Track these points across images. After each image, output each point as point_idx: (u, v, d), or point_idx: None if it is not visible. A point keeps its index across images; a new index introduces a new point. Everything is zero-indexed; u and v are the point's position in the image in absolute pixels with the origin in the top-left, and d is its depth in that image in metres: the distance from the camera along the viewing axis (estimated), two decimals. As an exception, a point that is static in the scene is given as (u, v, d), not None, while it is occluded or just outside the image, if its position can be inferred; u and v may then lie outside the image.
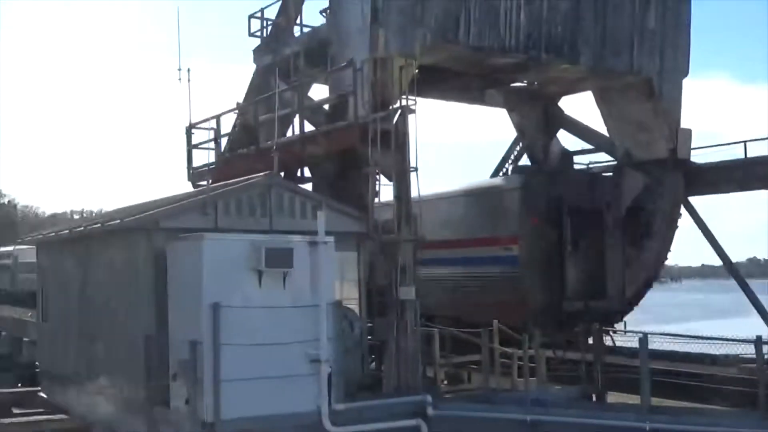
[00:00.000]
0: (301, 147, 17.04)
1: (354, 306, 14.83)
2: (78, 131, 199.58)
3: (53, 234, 19.01)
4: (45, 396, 18.77)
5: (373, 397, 13.85)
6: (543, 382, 15.72)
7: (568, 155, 22.88)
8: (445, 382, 16.89)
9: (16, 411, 19.33)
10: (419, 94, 15.64)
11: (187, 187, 20.24)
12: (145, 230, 13.47)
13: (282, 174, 15.46)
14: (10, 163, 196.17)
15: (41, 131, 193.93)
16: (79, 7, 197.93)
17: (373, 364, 15.47)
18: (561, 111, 22.78)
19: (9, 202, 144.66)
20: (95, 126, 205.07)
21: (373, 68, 15.60)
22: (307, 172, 18.51)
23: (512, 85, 21.96)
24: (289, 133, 18.05)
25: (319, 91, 19.45)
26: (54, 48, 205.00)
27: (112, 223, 14.82)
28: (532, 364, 15.71)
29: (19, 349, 32.84)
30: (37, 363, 20.51)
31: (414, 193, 15.15)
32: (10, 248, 51.79)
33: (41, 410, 18.27)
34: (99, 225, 15.74)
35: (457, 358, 17.11)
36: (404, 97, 15.35)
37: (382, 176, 15.38)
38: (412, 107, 15.37)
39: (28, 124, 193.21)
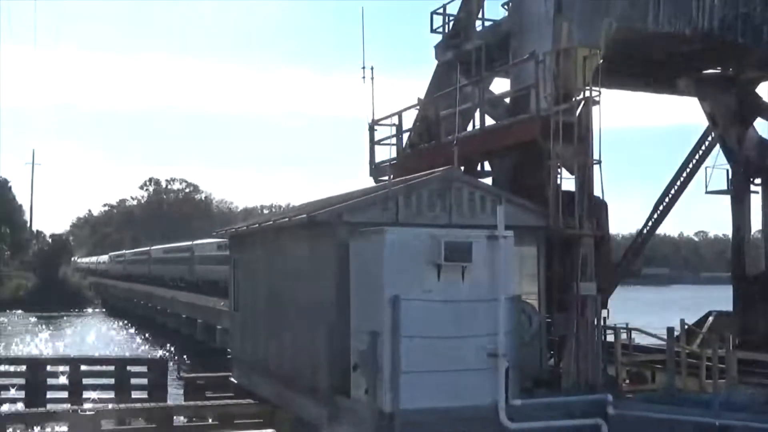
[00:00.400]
0: (482, 141, 17.12)
1: (533, 301, 14.77)
2: (268, 131, 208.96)
3: (244, 228, 20.11)
4: (235, 381, 19.83)
5: (552, 394, 13.73)
6: (733, 384, 15.00)
7: (766, 145, 21.66)
8: (627, 381, 16.46)
9: (209, 395, 20.66)
10: (603, 85, 15.35)
11: (369, 182, 20.82)
12: (329, 224, 14.01)
13: (462, 168, 15.59)
14: (208, 161, 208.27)
15: (236, 131, 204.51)
16: (265, 6, 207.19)
17: (552, 360, 15.33)
18: (758, 98, 21.57)
19: (206, 197, 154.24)
20: (284, 125, 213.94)
21: (556, 60, 15.44)
22: (487, 166, 18.56)
23: (704, 72, 21.04)
24: (469, 128, 18.18)
25: (500, 85, 19.48)
26: (240, 47, 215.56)
27: (298, 217, 15.50)
28: (722, 365, 15.03)
29: (213, 337, 34.86)
30: (228, 350, 21.76)
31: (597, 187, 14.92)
32: (189, 243, 61.59)
33: (231, 395, 19.39)
34: (286, 219, 16.50)
35: (640, 356, 16.64)
36: (588, 88, 15.12)
37: (563, 169, 15.22)
38: (596, 99, 15.13)
39: (224, 125, 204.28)
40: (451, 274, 12.36)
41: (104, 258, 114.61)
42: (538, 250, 15.01)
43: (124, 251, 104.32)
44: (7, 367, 25.88)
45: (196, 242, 59.95)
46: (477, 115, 17.74)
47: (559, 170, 15.14)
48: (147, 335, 51.17)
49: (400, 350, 11.91)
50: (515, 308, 12.94)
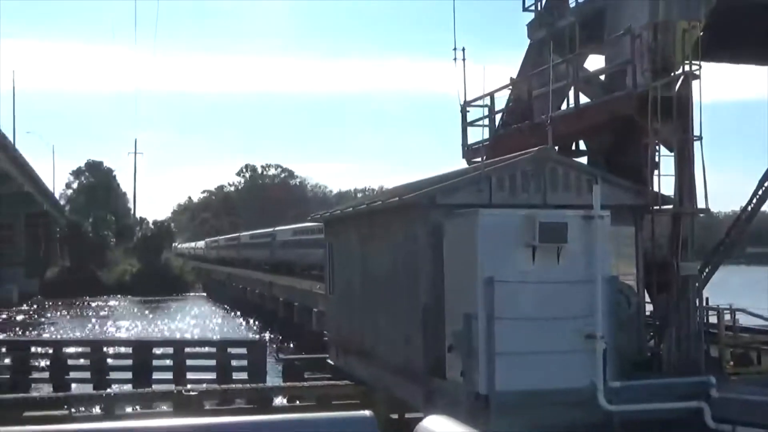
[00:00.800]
0: (576, 120, 16.83)
1: (631, 282, 14.50)
2: (362, 115, 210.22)
3: (339, 212, 20.33)
4: (332, 363, 20.14)
5: (652, 376, 13.49)
6: None
7: None
8: (731, 363, 15.99)
9: (307, 375, 21.04)
10: (704, 58, 14.86)
11: (462, 164, 20.75)
12: (422, 206, 14.07)
13: (556, 148, 15.37)
14: (303, 147, 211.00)
15: (330, 116, 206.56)
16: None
17: (651, 341, 15.03)
18: None
19: (301, 182, 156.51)
20: (378, 109, 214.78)
21: (654, 34, 15.03)
22: (582, 146, 18.27)
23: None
24: (563, 107, 17.91)
25: (594, 62, 19.09)
26: (333, 33, 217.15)
27: (391, 200, 15.60)
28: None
29: (310, 319, 35.42)
30: (325, 332, 22.09)
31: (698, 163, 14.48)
32: (270, 230, 68.02)
33: (329, 376, 19.71)
34: (380, 202, 16.63)
35: (745, 338, 16.13)
36: (687, 62, 14.68)
37: (662, 146, 14.85)
38: (696, 72, 14.68)
39: (318, 111, 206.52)
40: (546, 255, 12.27)
41: (201, 243, 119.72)
42: (636, 229, 14.70)
43: (217, 237, 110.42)
44: (116, 348, 26.90)
45: (276, 228, 66.01)
46: (571, 93, 17.45)
47: (657, 147, 14.77)
48: (246, 318, 52.36)
49: (495, 332, 11.89)
50: (612, 289, 12.74)
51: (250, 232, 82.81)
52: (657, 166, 14.83)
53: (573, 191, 14.17)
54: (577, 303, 12.21)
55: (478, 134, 20.36)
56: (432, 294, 13.61)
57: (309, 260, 50.72)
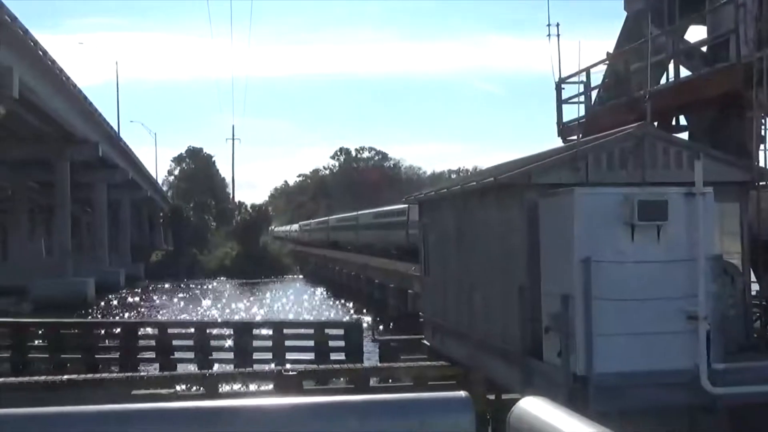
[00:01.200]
0: (676, 94, 16.34)
1: (736, 261, 13.99)
2: (455, 95, 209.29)
3: (433, 193, 20.30)
4: (428, 344, 20.19)
5: (758, 358, 12.99)
6: None
7: None
8: None
9: (403, 357, 21.16)
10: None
11: (557, 143, 20.44)
12: (518, 186, 13.89)
13: (655, 124, 14.95)
14: (397, 129, 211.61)
15: (422, 97, 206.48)
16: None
17: (758, 322, 14.49)
18: None
19: (394, 165, 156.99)
20: (472, 89, 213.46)
21: (759, 2, 14.43)
22: (682, 121, 17.72)
23: None
24: (662, 81, 17.40)
25: (695, 34, 18.47)
26: (425, 14, 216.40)
27: (486, 180, 15.47)
28: None
29: (405, 301, 35.60)
30: (420, 313, 22.16)
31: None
32: (355, 213, 73.59)
33: (424, 357, 19.77)
34: (474, 183, 16.51)
35: None
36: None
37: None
38: (806, 41, 14.04)
39: (410, 92, 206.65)
40: (646, 234, 11.93)
41: (295, 227, 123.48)
42: (741, 207, 14.15)
43: (309, 221, 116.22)
44: (219, 330, 27.60)
45: (359, 212, 72.67)
46: (671, 66, 16.94)
47: (763, 121, 14.19)
48: (342, 300, 53.00)
49: (593, 313, 11.67)
50: (716, 268, 12.32)
51: (338, 216, 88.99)
52: (763, 140, 14.29)
53: (673, 168, 13.73)
54: (678, 283, 11.85)
55: (573, 112, 20.04)
56: (528, 274, 13.44)
57: (388, 240, 57.09)
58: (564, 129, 20.53)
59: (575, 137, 15.03)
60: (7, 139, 55.84)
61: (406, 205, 52.26)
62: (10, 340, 26.33)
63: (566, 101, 20.49)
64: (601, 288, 11.67)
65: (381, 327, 35.69)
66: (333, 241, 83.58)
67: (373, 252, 59.37)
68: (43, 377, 18.69)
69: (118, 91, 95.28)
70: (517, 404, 3.69)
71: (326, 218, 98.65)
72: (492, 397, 15.07)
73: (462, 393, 3.54)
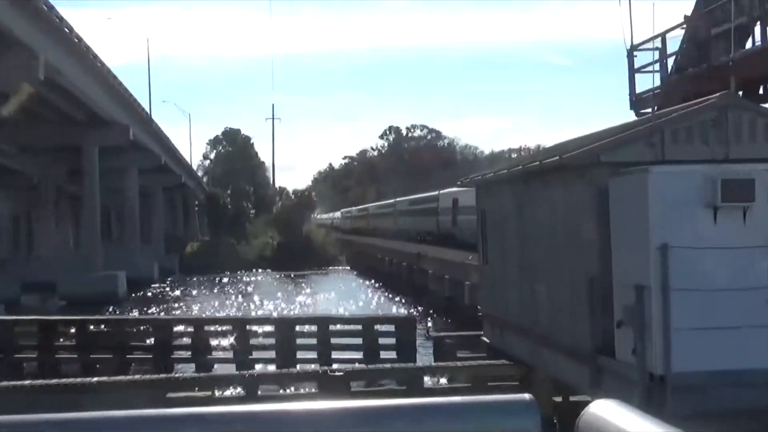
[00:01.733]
0: (763, 60, 16.05)
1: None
2: (515, 67, 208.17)
3: (491, 174, 20.17)
4: (487, 340, 20.12)
5: None
6: None
7: None
8: None
9: (459, 354, 21.14)
10: None
11: (630, 116, 20.19)
12: (585, 166, 13.76)
13: (740, 93, 14.69)
14: (450, 106, 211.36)
15: (479, 72, 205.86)
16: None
17: None
18: None
19: (449, 144, 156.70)
20: (530, 60, 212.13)
21: None
22: (771, 90, 17.42)
23: None
24: (747, 46, 17.10)
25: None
26: None
27: (550, 160, 15.33)
28: None
29: (462, 293, 35.51)
30: (478, 307, 22.10)
31: None
32: (392, 200, 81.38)
33: (483, 355, 19.71)
34: (537, 163, 16.38)
35: None
36: None
37: None
38: None
39: (465, 67, 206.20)
40: (730, 217, 11.75)
41: (337, 214, 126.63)
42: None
43: (350, 208, 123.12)
44: (259, 327, 27.82)
45: (397, 199, 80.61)
46: (757, 29, 16.63)
47: None
48: (393, 293, 53.11)
49: (671, 305, 11.53)
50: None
51: (378, 203, 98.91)
52: None
53: (761, 142, 13.45)
54: (766, 271, 11.66)
55: (647, 82, 19.79)
56: (598, 264, 13.32)
57: (420, 227, 63.93)
58: (637, 101, 20.31)
59: (650, 110, 14.84)
60: (32, 124, 56.85)
61: (437, 192, 55.47)
62: (36, 340, 26.85)
63: (639, 70, 20.25)
64: (680, 277, 11.52)
65: (433, 322, 35.67)
66: (373, 228, 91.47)
67: (409, 238, 65.20)
68: (71, 379, 19.03)
69: (149, 69, 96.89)
70: (588, 407, 3.63)
71: (366, 206, 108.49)
72: (559, 399, 15.00)
73: (526, 395, 3.50)
